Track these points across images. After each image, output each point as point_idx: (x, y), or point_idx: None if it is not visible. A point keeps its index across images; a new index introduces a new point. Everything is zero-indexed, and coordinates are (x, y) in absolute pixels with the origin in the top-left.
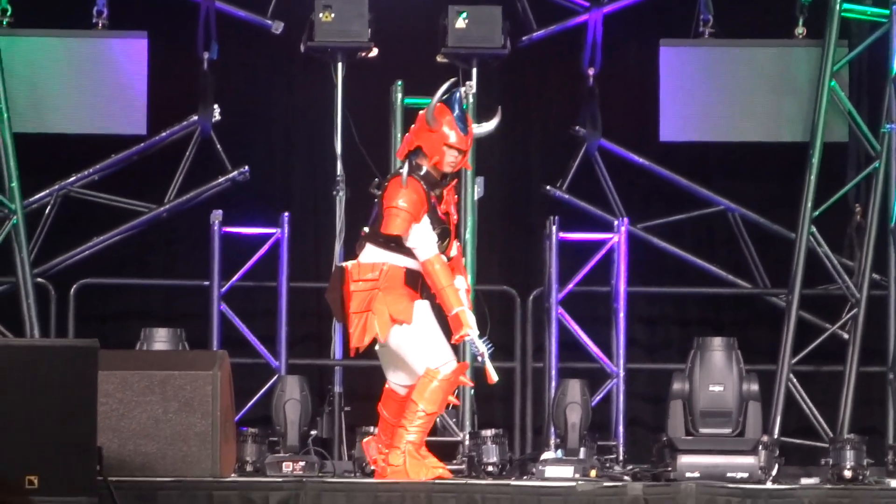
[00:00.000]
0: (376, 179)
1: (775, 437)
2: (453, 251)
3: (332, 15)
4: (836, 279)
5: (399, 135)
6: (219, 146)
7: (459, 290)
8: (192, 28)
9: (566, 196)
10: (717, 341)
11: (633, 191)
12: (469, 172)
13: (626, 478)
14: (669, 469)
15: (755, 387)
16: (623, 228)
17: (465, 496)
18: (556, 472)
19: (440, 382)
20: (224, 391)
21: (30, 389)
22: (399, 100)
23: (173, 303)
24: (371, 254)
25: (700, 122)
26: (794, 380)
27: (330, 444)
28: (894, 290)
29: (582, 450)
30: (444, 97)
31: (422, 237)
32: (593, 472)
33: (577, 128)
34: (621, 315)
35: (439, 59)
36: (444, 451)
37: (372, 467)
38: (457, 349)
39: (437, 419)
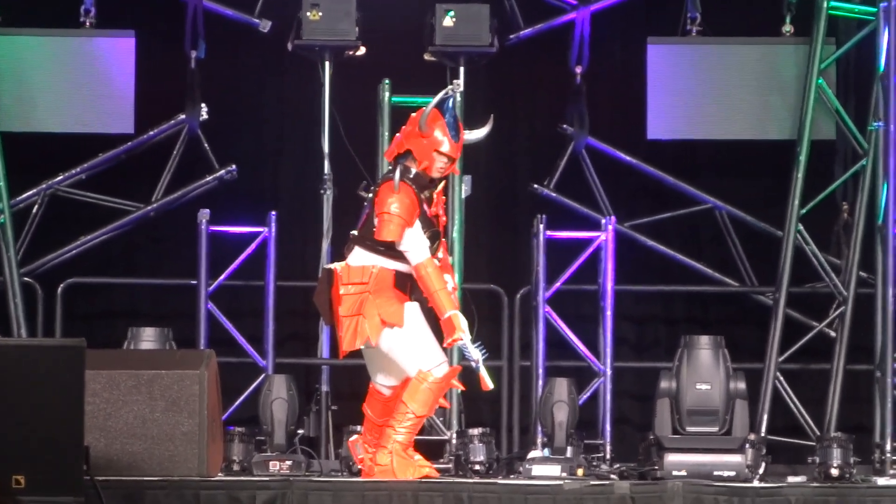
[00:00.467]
0: (365, 182)
1: (762, 435)
2: (440, 252)
3: (320, 13)
4: (824, 277)
5: (387, 133)
6: (206, 145)
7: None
8: (179, 27)
9: (553, 194)
10: (704, 339)
11: (620, 189)
12: None
13: (613, 476)
14: (656, 468)
15: (742, 385)
16: (610, 227)
17: (452, 495)
18: (544, 470)
19: (432, 385)
20: (211, 390)
21: (16, 389)
22: (386, 98)
23: (160, 302)
24: (360, 256)
25: (687, 120)
26: (781, 378)
27: (317, 444)
28: (881, 288)
29: (569, 448)
30: (438, 103)
31: (414, 242)
32: (580, 471)
33: (565, 126)
34: (608, 313)
35: (427, 57)
36: (431, 450)
37: (359, 466)
38: (447, 352)
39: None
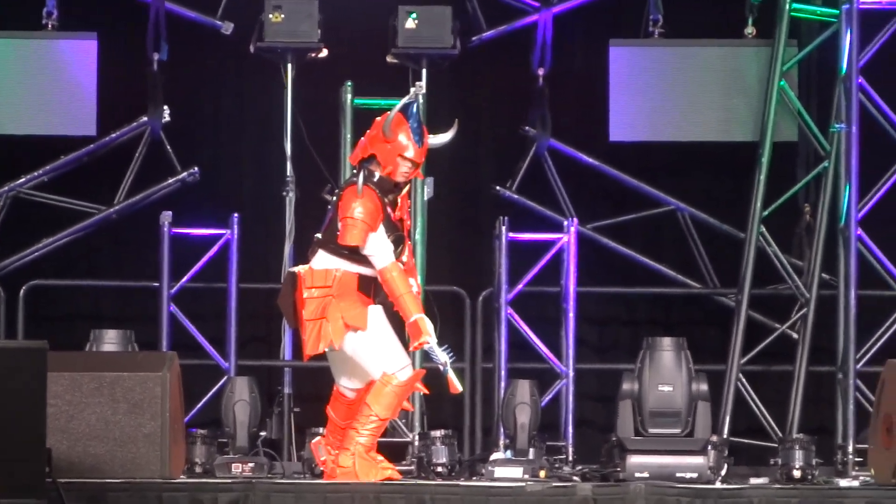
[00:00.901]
0: (329, 185)
1: (724, 437)
2: (405, 255)
3: (282, 16)
4: (786, 279)
5: (349, 136)
6: (168, 147)
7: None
8: (141, 29)
9: (516, 196)
10: (667, 341)
11: (582, 191)
12: None
13: (575, 478)
14: (619, 469)
15: (704, 387)
16: (572, 229)
17: (415, 497)
18: (506, 472)
19: (396, 388)
20: (173, 392)
21: None
22: (349, 100)
23: (123, 304)
24: (323, 260)
25: (649, 121)
26: (744, 379)
27: (279, 446)
28: (843, 290)
29: (531, 450)
30: (402, 108)
31: (378, 246)
32: (542, 473)
33: (527, 128)
34: (571, 315)
35: (389, 59)
36: (393, 452)
37: (321, 468)
38: (411, 355)
39: None
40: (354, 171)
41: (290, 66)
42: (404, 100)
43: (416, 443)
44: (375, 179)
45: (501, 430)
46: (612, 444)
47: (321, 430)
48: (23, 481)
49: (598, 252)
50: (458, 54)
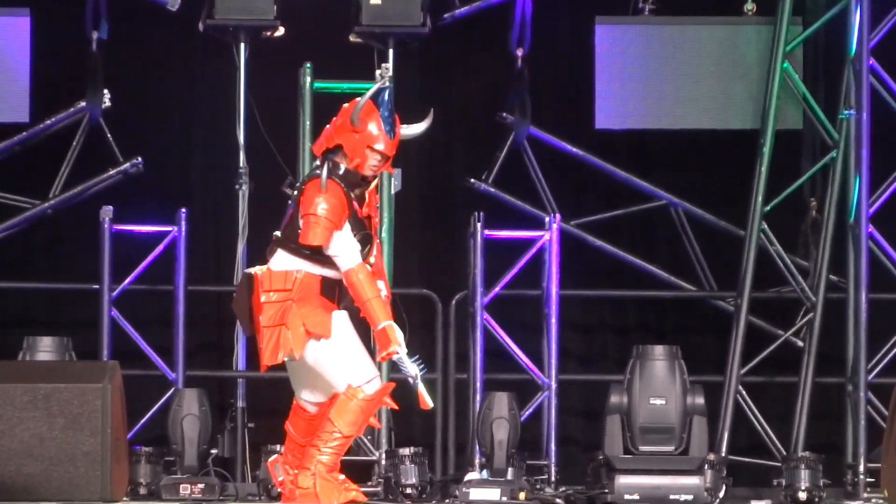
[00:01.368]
0: (290, 178)
1: (723, 455)
2: (373, 256)
3: None
4: (790, 281)
5: (308, 123)
6: (109, 135)
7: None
8: (79, 4)
9: (492, 190)
10: (659, 350)
11: (565, 184)
12: None
13: (558, 501)
14: (606, 491)
15: (700, 400)
16: (555, 225)
17: None
18: (482, 494)
19: (362, 402)
20: (115, 406)
21: None
22: (308, 84)
23: (59, 309)
24: (283, 261)
25: (639, 108)
26: (744, 392)
27: (232, 465)
28: (853, 293)
29: (510, 470)
30: (373, 95)
31: (344, 246)
32: (522, 495)
33: (505, 114)
34: (553, 321)
35: (352, 38)
36: (357, 472)
37: (278, 490)
38: (379, 367)
39: None
40: (317, 162)
41: (243, 45)
42: (375, 86)
43: (383, 461)
44: (341, 172)
45: (477, 447)
46: (598, 463)
47: (279, 447)
48: None
49: (584, 251)
50: (429, 33)
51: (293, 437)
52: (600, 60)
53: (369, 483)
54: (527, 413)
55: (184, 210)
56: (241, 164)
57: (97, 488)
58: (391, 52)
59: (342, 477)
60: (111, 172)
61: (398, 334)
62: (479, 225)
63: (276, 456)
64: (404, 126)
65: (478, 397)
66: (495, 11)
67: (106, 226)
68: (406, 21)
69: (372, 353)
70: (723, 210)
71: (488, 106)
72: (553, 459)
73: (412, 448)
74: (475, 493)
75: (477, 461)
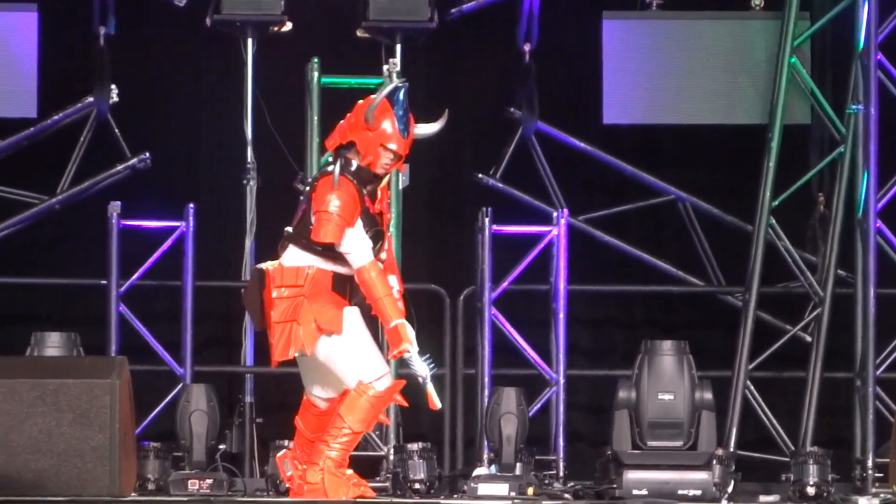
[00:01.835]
0: (300, 174)
1: (731, 450)
2: (384, 252)
3: None
4: (798, 276)
5: (316, 118)
6: (117, 131)
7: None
8: (87, 0)
9: (500, 185)
10: (667, 345)
11: (573, 179)
12: None
13: (566, 496)
14: (615, 486)
15: (709, 395)
16: (563, 221)
17: None
18: (490, 489)
19: (372, 399)
20: (123, 401)
21: None
22: (315, 79)
23: (67, 304)
24: (294, 256)
25: (647, 102)
26: (752, 387)
27: (240, 460)
28: (861, 288)
29: (518, 465)
30: (388, 94)
31: (356, 244)
32: (531, 490)
33: (512, 109)
34: (561, 316)
35: (360, 33)
36: (366, 468)
37: (286, 485)
38: (390, 363)
39: None
40: (329, 158)
41: (250, 40)
42: (391, 85)
43: (391, 457)
44: (353, 169)
45: (485, 442)
46: (607, 458)
47: (287, 442)
48: None
49: (592, 246)
50: (436, 28)
51: (302, 432)
52: (608, 55)
53: (377, 478)
54: (535, 408)
55: (192, 205)
56: (249, 160)
57: (105, 484)
58: (398, 47)
59: (350, 472)
60: (119, 168)
61: (410, 333)
62: (486, 220)
63: (284, 451)
64: (418, 125)
65: (486, 392)
66: (503, 6)
67: (114, 221)
68: (413, 16)
69: (383, 349)
70: (731, 205)
71: (496, 101)
72: (561, 454)
73: (420, 443)
74: (483, 489)
75: (485, 456)
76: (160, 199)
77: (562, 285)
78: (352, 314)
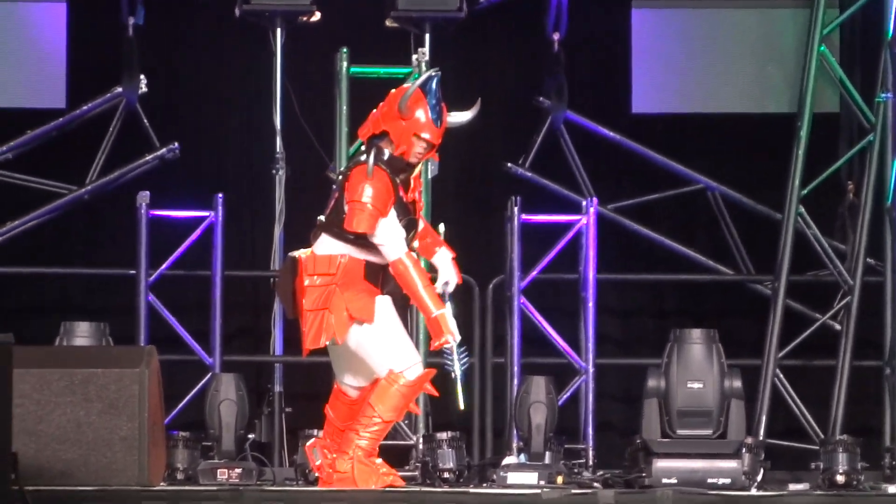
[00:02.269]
0: (332, 164)
1: (760, 438)
2: (420, 223)
3: None
4: (827, 264)
5: (345, 107)
6: (146, 121)
7: (449, 283)
8: None
9: (529, 174)
10: (696, 333)
11: (602, 168)
12: None
13: (596, 485)
14: (644, 475)
15: (738, 383)
16: (592, 209)
17: None
18: (520, 478)
19: (403, 388)
20: (152, 391)
21: None
22: (344, 69)
23: (96, 294)
24: (327, 245)
25: (676, 91)
26: (781, 375)
27: (269, 449)
28: (890, 276)
29: (547, 454)
30: (422, 83)
31: (389, 234)
32: (560, 479)
33: (541, 99)
34: (590, 305)
35: (388, 23)
36: (395, 457)
37: (316, 474)
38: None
39: None
40: (361, 148)
41: (279, 30)
42: (424, 75)
43: (421, 446)
44: (386, 158)
45: (514, 431)
46: (636, 446)
47: (316, 432)
48: None
49: (621, 235)
50: (465, 17)
51: (332, 421)
52: (637, 44)
53: (406, 467)
54: (564, 397)
55: (220, 195)
56: (278, 150)
57: (134, 473)
58: (427, 36)
59: (380, 461)
60: (148, 158)
61: (451, 323)
62: (516, 209)
63: (313, 440)
64: (451, 114)
65: (515, 381)
66: None
67: (143, 211)
68: (442, 6)
69: (414, 338)
70: (760, 194)
71: (525, 90)
72: (591, 443)
73: (450, 432)
74: (513, 478)
75: (514, 445)
76: (189, 189)
77: (591, 274)
78: (383, 303)
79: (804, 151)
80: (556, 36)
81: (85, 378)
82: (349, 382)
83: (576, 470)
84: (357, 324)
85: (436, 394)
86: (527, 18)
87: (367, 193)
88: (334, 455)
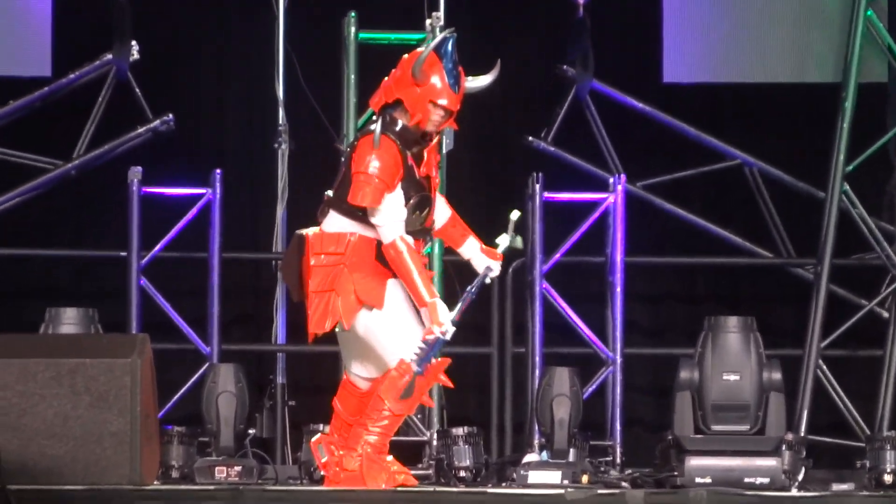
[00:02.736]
0: (342, 134)
1: (801, 435)
2: (443, 213)
3: None
4: (874, 246)
5: (353, 76)
6: (137, 90)
7: (492, 268)
8: None
9: (552, 149)
10: (733, 321)
11: (631, 142)
12: None
13: (624, 484)
14: (676, 474)
15: (778, 375)
16: (619, 187)
17: None
18: (542, 477)
19: (414, 379)
20: (145, 383)
21: None
22: (352, 34)
23: (84, 278)
24: (335, 222)
25: (710, 60)
26: (825, 367)
27: (271, 445)
28: None
29: (571, 451)
30: (436, 46)
31: (390, 214)
32: (585, 478)
33: (565, 67)
34: (618, 290)
35: None
36: (407, 454)
37: (321, 472)
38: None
39: None
40: (374, 117)
41: None
42: (439, 37)
43: (435, 442)
44: (397, 129)
45: (536, 427)
46: (667, 443)
47: (322, 426)
48: None
49: (651, 215)
50: None
51: (341, 414)
52: (668, 8)
53: (420, 465)
54: (590, 390)
55: (218, 171)
56: (281, 122)
57: (126, 471)
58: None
59: (391, 458)
60: (140, 130)
61: (443, 315)
62: (538, 187)
63: (319, 435)
64: (469, 78)
65: (537, 373)
66: None
67: (134, 188)
68: None
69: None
70: (801, 170)
71: (547, 58)
72: (618, 440)
73: (466, 428)
74: (534, 476)
75: (536, 442)
76: (184, 165)
77: (618, 257)
78: (395, 287)
79: (849, 124)
80: None
81: (72, 368)
82: (358, 373)
83: (602, 468)
84: (366, 308)
85: (450, 384)
86: None
87: (374, 165)
88: (342, 452)
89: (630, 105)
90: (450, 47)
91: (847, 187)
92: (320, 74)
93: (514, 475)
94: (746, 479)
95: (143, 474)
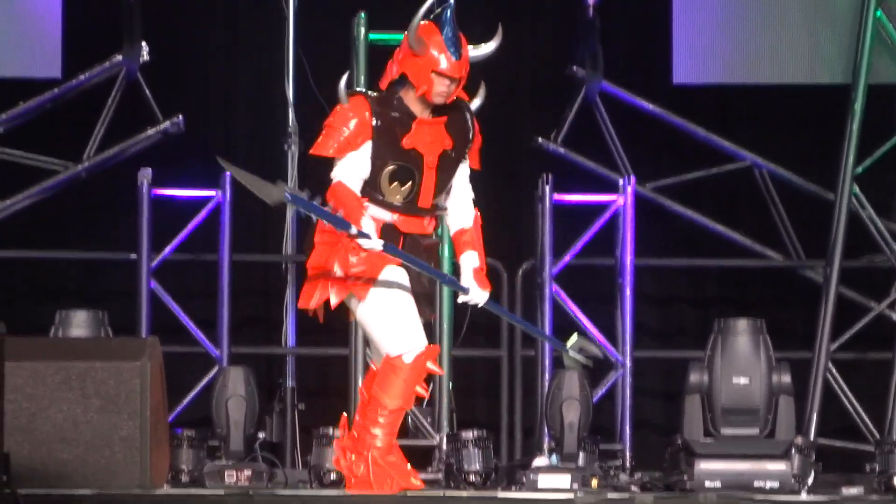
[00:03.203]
0: None
1: (811, 438)
2: (460, 219)
3: None
4: (883, 248)
5: (363, 76)
6: (147, 92)
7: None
8: None
9: (561, 150)
10: (742, 324)
11: (641, 144)
12: None
13: (633, 488)
14: (685, 477)
15: (787, 378)
16: (629, 189)
17: None
18: (551, 481)
19: (403, 374)
20: (155, 386)
21: None
22: (362, 35)
23: (94, 280)
24: None
25: (721, 61)
26: (834, 370)
27: (281, 449)
28: None
29: (581, 455)
30: (431, 15)
31: (346, 167)
32: (595, 482)
33: (575, 68)
34: (627, 293)
35: None
36: (416, 457)
37: (334, 475)
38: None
39: (409, 417)
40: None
41: None
42: (426, 3)
43: (444, 446)
44: (375, 95)
45: (545, 430)
46: (676, 447)
47: (332, 430)
48: None
49: (660, 217)
50: None
51: (365, 400)
52: (678, 10)
53: (429, 469)
54: (599, 393)
55: (228, 173)
56: (290, 123)
57: (135, 475)
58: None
59: (396, 459)
60: (150, 132)
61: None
62: (547, 188)
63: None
64: (472, 47)
65: (546, 376)
66: None
67: (144, 190)
68: None
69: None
70: (811, 172)
71: (557, 59)
72: (628, 443)
73: (475, 431)
74: (544, 480)
75: (545, 445)
76: (194, 166)
77: (628, 259)
78: (389, 275)
79: (859, 126)
80: None
81: (82, 372)
82: (370, 354)
83: (612, 472)
84: (354, 296)
85: (441, 372)
86: None
87: (339, 118)
88: (353, 456)
89: (640, 106)
90: (448, 14)
91: (857, 189)
92: (330, 75)
93: (524, 479)
94: (756, 483)
95: (153, 478)
